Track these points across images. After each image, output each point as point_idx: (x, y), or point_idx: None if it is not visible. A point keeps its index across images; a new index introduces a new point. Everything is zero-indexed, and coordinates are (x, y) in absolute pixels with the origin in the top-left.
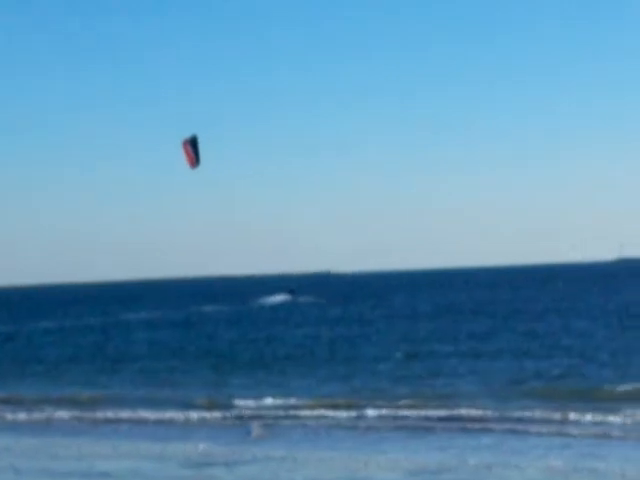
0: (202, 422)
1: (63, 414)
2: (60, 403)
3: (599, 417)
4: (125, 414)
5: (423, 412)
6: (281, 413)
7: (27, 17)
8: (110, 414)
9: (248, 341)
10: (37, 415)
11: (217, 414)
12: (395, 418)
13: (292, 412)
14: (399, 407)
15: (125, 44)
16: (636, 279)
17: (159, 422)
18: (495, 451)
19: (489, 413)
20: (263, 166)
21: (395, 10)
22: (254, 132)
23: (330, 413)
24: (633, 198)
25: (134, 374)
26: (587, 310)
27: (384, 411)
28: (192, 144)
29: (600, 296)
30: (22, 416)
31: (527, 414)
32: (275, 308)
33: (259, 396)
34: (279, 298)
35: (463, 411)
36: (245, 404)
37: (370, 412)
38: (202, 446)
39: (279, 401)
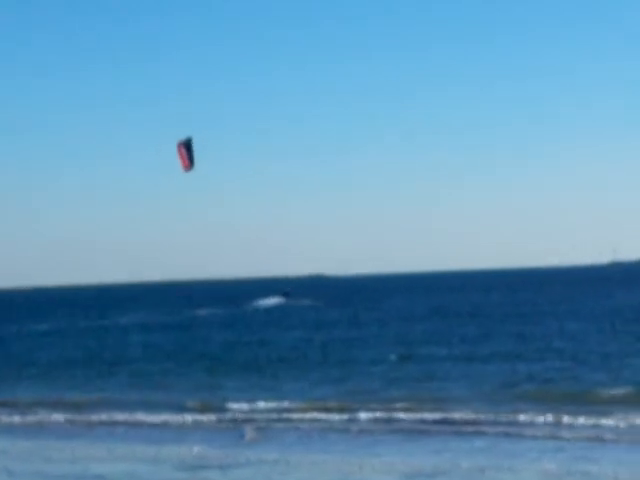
0: (196, 425)
1: (58, 417)
2: (54, 406)
3: (592, 420)
4: (119, 417)
5: (417, 415)
6: (274, 416)
7: (27, 17)
8: (104, 417)
9: (241, 344)
10: (31, 418)
11: (210, 417)
12: (389, 421)
13: (285, 415)
14: (393, 410)
15: (125, 44)
16: (629, 283)
17: (153, 425)
18: (489, 454)
19: (483, 416)
20: (258, 168)
21: (395, 10)
22: (251, 133)
23: (323, 416)
24: (626, 202)
25: (128, 377)
26: (580, 313)
27: (378, 414)
28: (186, 147)
29: (593, 299)
30: (17, 419)
31: (520, 417)
32: (269, 311)
33: (252, 399)
34: (273, 301)
35: (457, 414)
36: (238, 407)
37: (364, 415)
38: (196, 449)
39: (272, 404)
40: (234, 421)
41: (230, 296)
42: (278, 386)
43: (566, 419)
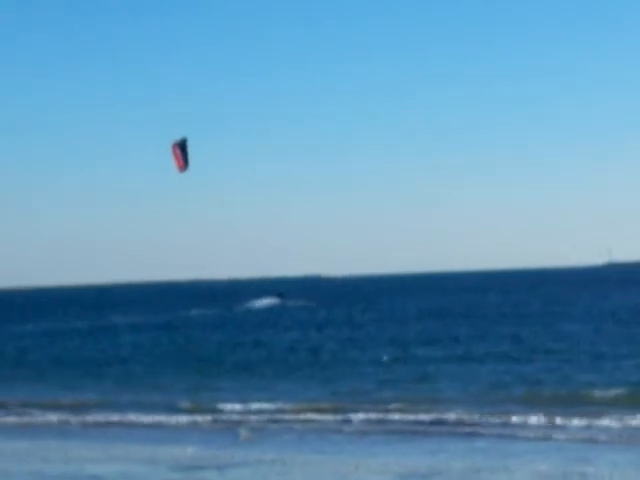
0: (190, 426)
1: (51, 417)
2: (48, 407)
3: (586, 422)
4: (113, 417)
5: (411, 416)
6: (269, 417)
7: (27, 17)
8: (98, 417)
9: (235, 345)
10: (26, 419)
11: (205, 418)
12: (383, 422)
13: (280, 416)
14: (387, 411)
15: (125, 44)
16: (625, 284)
17: (147, 425)
18: (483, 455)
19: (477, 417)
20: (256, 168)
21: (395, 10)
22: (247, 134)
23: (317, 417)
24: (622, 203)
25: (121, 378)
26: (576, 314)
27: (372, 415)
28: (181, 148)
29: (589, 301)
30: (11, 419)
31: (514, 418)
32: (263, 311)
33: (246, 400)
34: (266, 302)
35: (451, 415)
36: (232, 408)
37: (358, 416)
38: (191, 449)
39: (266, 405)
40: (228, 422)
41: (225, 297)
42: (271, 387)
43: (560, 420)
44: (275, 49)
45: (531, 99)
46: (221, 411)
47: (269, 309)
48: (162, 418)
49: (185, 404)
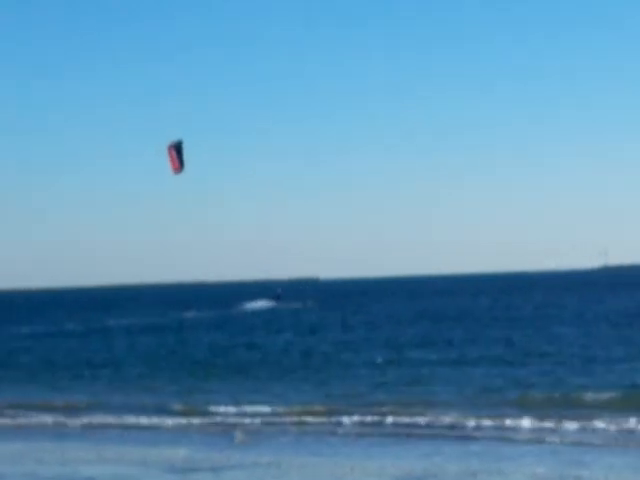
0: (184, 428)
1: (45, 419)
2: (41, 409)
3: (580, 424)
4: (106, 419)
5: (405, 419)
6: (263, 419)
7: (27, 17)
8: (92, 419)
9: (229, 347)
10: (19, 420)
11: (198, 420)
12: (378, 425)
13: (274, 419)
14: (382, 414)
15: (125, 44)
16: (620, 287)
17: (141, 427)
18: (478, 458)
19: (471, 420)
20: (253, 169)
21: (395, 10)
22: (244, 136)
23: (313, 419)
24: (617, 206)
25: (114, 380)
26: (570, 318)
27: (367, 418)
28: (177, 149)
29: (583, 304)
30: (4, 421)
31: (508, 422)
32: (258, 313)
33: (240, 402)
34: (263, 303)
35: (445, 418)
36: (226, 410)
37: (353, 419)
38: (186, 452)
39: (260, 407)
40: (222, 424)
41: (221, 299)
42: (265, 389)
43: (554, 423)
44: (275, 49)
45: (531, 99)
46: (214, 413)
47: (264, 311)
48: (155, 420)
49: (178, 406)
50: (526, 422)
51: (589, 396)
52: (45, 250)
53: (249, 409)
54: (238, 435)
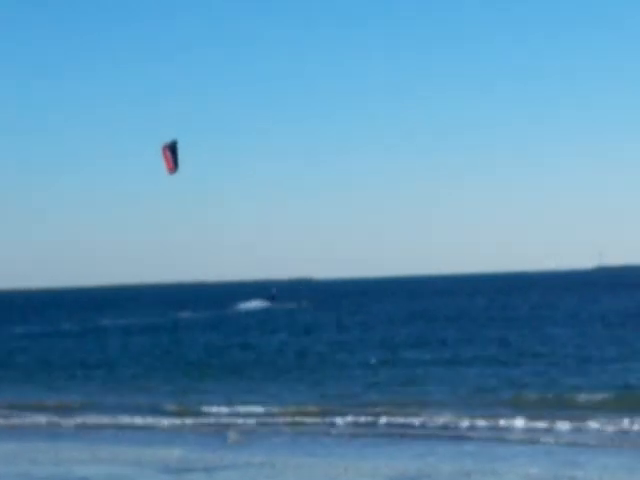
0: (178, 428)
1: (39, 419)
2: (35, 409)
3: (574, 425)
4: (101, 419)
5: (399, 419)
6: (257, 420)
7: (27, 17)
8: (86, 419)
9: (223, 347)
10: (13, 420)
11: (192, 421)
12: (372, 425)
13: (268, 419)
14: (376, 414)
15: (125, 44)
16: (614, 287)
17: (135, 427)
18: (472, 458)
19: (465, 420)
20: (251, 169)
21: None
22: (244, 136)
23: (307, 420)
24: (613, 206)
25: (108, 380)
26: (565, 318)
27: (361, 418)
28: (171, 150)
29: (578, 304)
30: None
31: (502, 422)
32: (253, 314)
33: (235, 403)
34: (258, 304)
35: (439, 418)
36: (219, 411)
37: (346, 419)
38: (180, 452)
39: (254, 408)
40: (216, 425)
41: (216, 299)
42: (260, 390)
43: (547, 424)
44: (275, 49)
45: (531, 99)
46: (208, 414)
47: (259, 311)
48: (150, 420)
49: (171, 407)
50: (520, 422)
51: (583, 396)
52: (45, 250)
53: (243, 409)
54: (231, 435)
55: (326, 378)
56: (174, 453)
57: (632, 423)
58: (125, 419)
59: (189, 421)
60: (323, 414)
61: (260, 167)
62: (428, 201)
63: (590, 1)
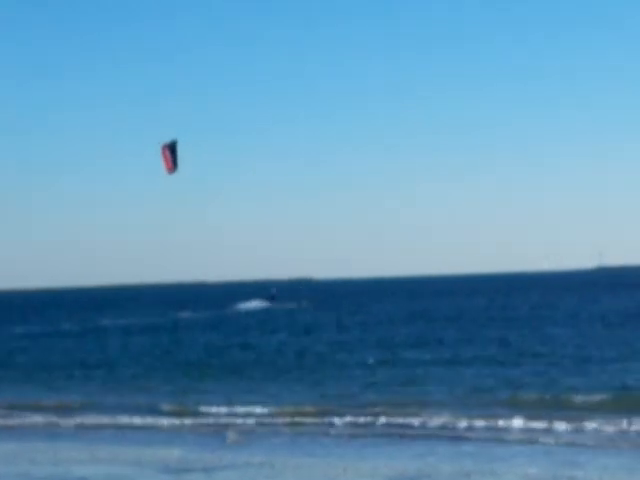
0: (177, 428)
1: (38, 419)
2: (34, 409)
3: (572, 425)
4: (100, 419)
5: (399, 419)
6: (256, 420)
7: (27, 17)
8: (86, 420)
9: (223, 347)
10: (12, 420)
11: (191, 421)
12: (371, 425)
13: (267, 419)
14: (375, 414)
15: (125, 44)
16: (614, 287)
17: (135, 428)
18: (472, 458)
19: (464, 421)
20: (251, 171)
21: (395, 10)
22: (244, 136)
23: (306, 420)
24: (613, 206)
25: (107, 380)
26: (565, 318)
27: (360, 418)
28: (171, 150)
29: (579, 304)
30: None
31: (501, 422)
32: (253, 314)
33: (234, 403)
34: (257, 304)
35: (438, 419)
36: (218, 411)
37: (346, 419)
38: (179, 452)
39: (253, 408)
40: (215, 425)
41: (216, 299)
42: (260, 389)
43: (546, 424)
44: (275, 49)
45: (531, 99)
46: (207, 414)
47: (259, 311)
48: (149, 420)
49: (170, 407)
50: (519, 422)
51: (581, 397)
52: (45, 250)
53: (242, 410)
54: (230, 435)
55: (326, 378)
56: (173, 453)
57: (630, 423)
58: (124, 419)
59: (188, 421)
60: (322, 414)
61: (260, 167)
62: (428, 201)
63: (590, 1)
